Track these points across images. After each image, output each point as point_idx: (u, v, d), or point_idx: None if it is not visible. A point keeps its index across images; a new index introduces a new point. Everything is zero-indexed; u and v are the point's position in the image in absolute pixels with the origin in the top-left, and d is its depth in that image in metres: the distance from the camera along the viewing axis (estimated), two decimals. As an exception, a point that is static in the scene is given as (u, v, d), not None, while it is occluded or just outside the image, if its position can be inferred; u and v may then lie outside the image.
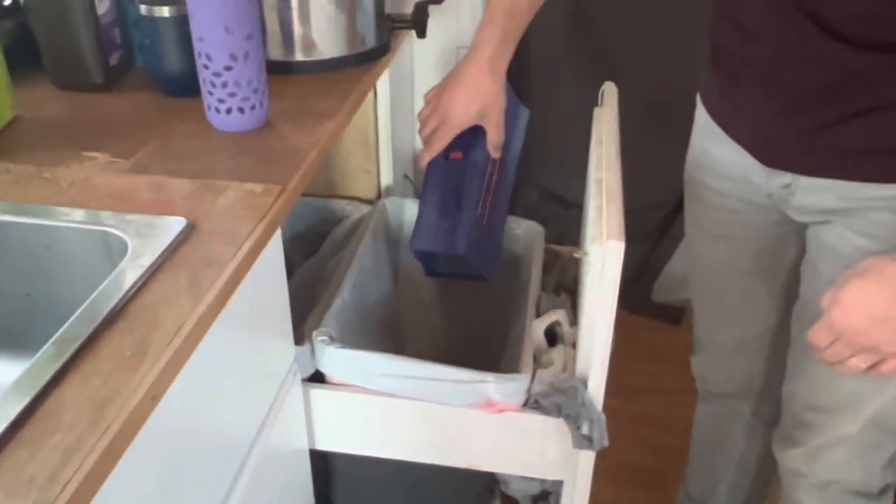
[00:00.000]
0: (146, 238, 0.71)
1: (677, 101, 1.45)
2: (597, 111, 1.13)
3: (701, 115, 0.98)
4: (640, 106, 1.77)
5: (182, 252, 0.70)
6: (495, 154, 1.02)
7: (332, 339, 0.96)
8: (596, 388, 0.89)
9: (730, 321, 1.08)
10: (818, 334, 0.79)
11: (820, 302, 0.78)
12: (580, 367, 0.92)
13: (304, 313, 1.02)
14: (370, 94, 1.21)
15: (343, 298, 1.03)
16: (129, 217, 0.74)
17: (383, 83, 1.22)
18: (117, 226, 0.73)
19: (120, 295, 0.63)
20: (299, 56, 1.09)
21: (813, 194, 0.86)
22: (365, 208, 1.27)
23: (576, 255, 1.05)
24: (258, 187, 0.80)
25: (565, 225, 2.25)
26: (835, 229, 0.86)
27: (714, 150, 0.95)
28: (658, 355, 1.91)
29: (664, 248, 2.11)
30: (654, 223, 2.08)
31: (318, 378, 0.99)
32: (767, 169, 0.89)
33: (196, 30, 0.87)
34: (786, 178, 0.87)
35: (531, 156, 2.10)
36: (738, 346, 1.09)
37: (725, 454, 1.20)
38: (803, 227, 0.95)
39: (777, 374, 1.11)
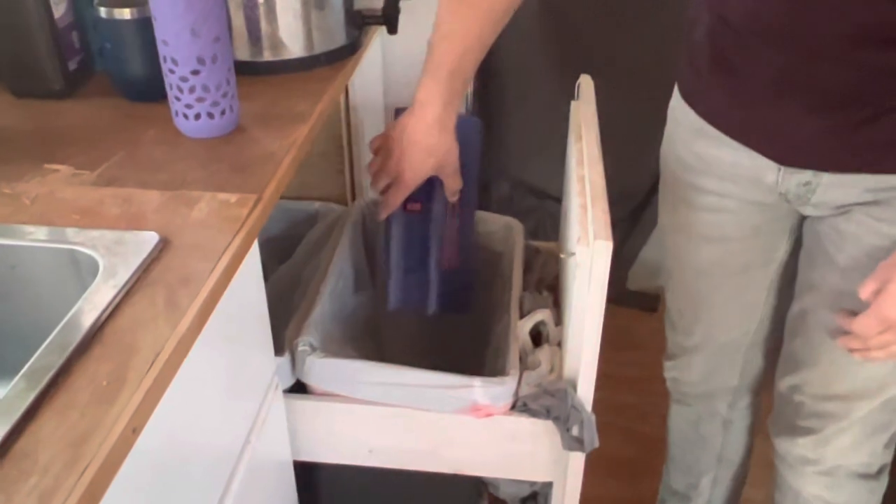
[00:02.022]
0: (117, 256, 0.68)
1: (648, 92, 1.45)
2: (574, 105, 1.11)
3: (686, 118, 0.95)
4: (611, 96, 1.76)
5: (156, 270, 0.67)
6: (454, 199, 1.02)
7: (314, 349, 0.94)
8: (586, 390, 0.88)
9: (716, 323, 1.07)
10: (867, 324, 0.79)
11: (859, 291, 0.79)
12: (568, 368, 0.90)
13: (283, 321, 0.99)
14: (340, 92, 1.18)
15: (322, 306, 1.01)
16: (99, 233, 0.71)
17: (354, 81, 1.19)
18: (86, 243, 0.70)
19: (93, 319, 0.60)
20: (268, 56, 1.06)
21: (836, 189, 0.85)
22: (339, 209, 1.24)
23: (562, 255, 1.03)
24: (233, 197, 0.77)
25: (539, 217, 2.25)
26: (855, 218, 0.85)
27: (710, 153, 0.94)
28: (634, 344, 1.92)
29: (637, 236, 2.12)
30: (627, 212, 2.08)
31: (299, 388, 0.96)
32: (784, 168, 0.87)
33: (160, 33, 0.83)
34: (806, 175, 0.86)
35: (503, 148, 2.09)
36: (721, 348, 1.09)
37: (706, 451, 1.20)
38: (799, 222, 0.94)
39: (755, 368, 1.11)
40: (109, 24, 0.92)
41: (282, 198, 1.24)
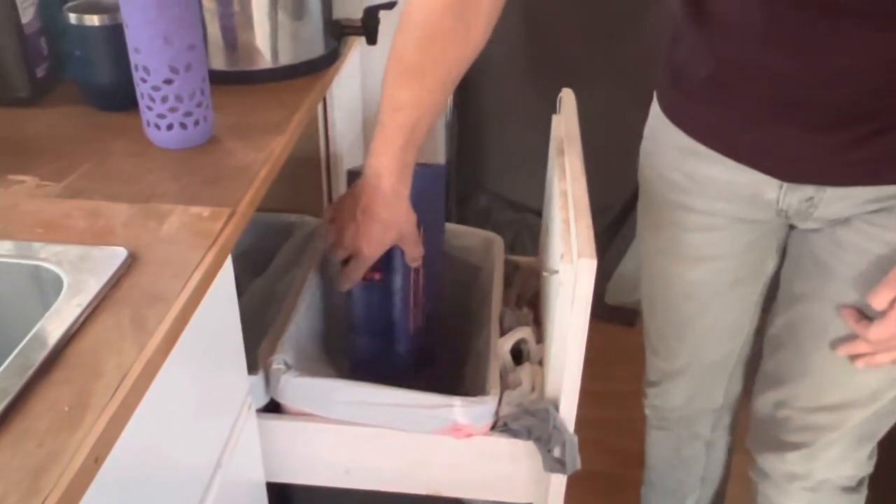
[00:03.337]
0: (83, 272, 0.65)
1: (626, 105, 1.44)
2: (556, 119, 1.10)
3: (672, 137, 0.94)
4: (588, 108, 1.76)
5: (124, 287, 0.64)
6: (416, 265, 0.98)
7: (288, 367, 0.91)
8: (568, 411, 0.86)
9: (702, 344, 1.06)
10: (884, 331, 0.79)
11: (871, 300, 0.78)
12: (550, 387, 0.88)
13: (257, 338, 0.96)
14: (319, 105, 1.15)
15: (297, 323, 0.98)
16: (63, 248, 0.68)
17: (332, 92, 1.17)
18: (50, 259, 0.67)
19: (55, 340, 0.57)
20: (244, 65, 1.03)
21: (839, 203, 0.84)
22: (315, 222, 1.21)
23: (544, 273, 1.01)
24: (205, 211, 0.74)
25: (517, 230, 2.24)
26: (855, 227, 0.84)
27: (702, 172, 0.92)
28: (612, 358, 1.90)
29: (615, 250, 2.11)
30: (605, 224, 2.07)
31: (273, 407, 0.93)
32: (785, 184, 0.86)
33: (132, 40, 0.81)
34: (808, 191, 0.85)
35: (482, 161, 2.07)
36: (706, 369, 1.08)
37: (689, 473, 1.19)
38: (786, 235, 0.93)
39: (737, 386, 1.10)
40: (79, 31, 0.89)
41: (257, 210, 1.22)
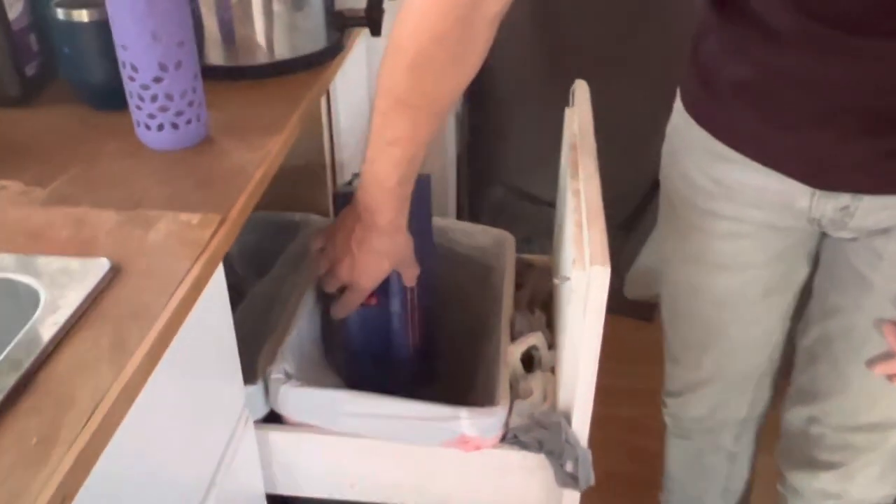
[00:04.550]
0: (62, 287, 0.61)
1: (645, 94, 1.38)
2: (568, 112, 1.05)
3: (698, 140, 0.88)
4: (607, 98, 1.70)
5: (105, 302, 0.60)
6: (412, 284, 0.95)
7: (289, 376, 0.87)
8: (581, 424, 0.82)
9: (728, 355, 1.01)
10: None
11: None
12: (562, 399, 0.84)
13: (259, 343, 0.92)
14: (321, 98, 1.11)
15: (299, 329, 0.94)
16: (43, 260, 0.64)
17: (336, 86, 1.12)
18: (28, 272, 0.63)
19: (28, 364, 0.53)
20: (243, 60, 0.99)
21: (877, 213, 0.79)
22: (320, 221, 1.17)
23: (556, 280, 0.96)
24: (195, 217, 0.70)
25: (534, 223, 2.18)
26: (895, 237, 0.79)
27: (731, 178, 0.86)
28: (631, 354, 1.85)
29: (634, 243, 2.05)
30: (624, 216, 2.01)
31: (275, 417, 0.90)
32: (819, 192, 0.81)
33: (119, 37, 0.77)
34: (844, 199, 0.80)
35: (497, 152, 2.02)
36: (731, 380, 1.03)
37: (711, 484, 1.14)
38: (819, 243, 0.88)
39: (764, 398, 1.05)
40: (67, 27, 0.85)
41: (261, 209, 1.18)
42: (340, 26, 1.07)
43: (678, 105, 0.94)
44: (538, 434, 0.85)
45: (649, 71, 1.51)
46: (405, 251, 0.88)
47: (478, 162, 1.83)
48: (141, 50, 0.76)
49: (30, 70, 0.91)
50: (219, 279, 0.72)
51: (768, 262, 0.92)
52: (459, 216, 1.53)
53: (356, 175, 0.96)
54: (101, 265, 0.63)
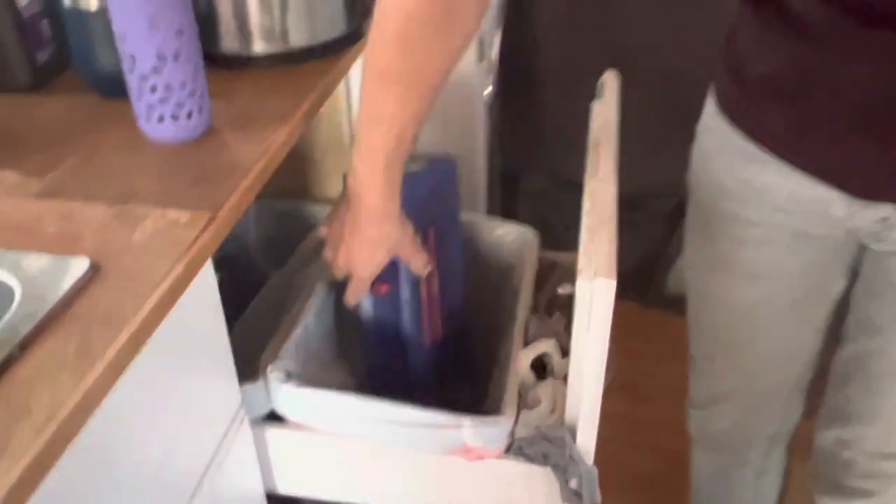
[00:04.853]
0: (39, 285, 0.60)
1: (695, 82, 1.31)
2: (596, 106, 0.99)
3: (728, 138, 0.82)
4: (658, 85, 1.62)
5: (79, 304, 0.59)
6: (424, 273, 0.90)
7: (289, 376, 0.85)
8: (587, 440, 0.77)
9: (754, 368, 0.95)
10: None
11: None
12: (569, 412, 0.80)
13: (268, 338, 0.90)
14: (342, 87, 1.08)
15: (306, 325, 0.92)
16: (25, 257, 0.63)
17: (357, 73, 1.08)
18: (6, 268, 0.62)
19: (-10, 368, 0.52)
20: (258, 48, 0.96)
21: None
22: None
23: (560, 290, 0.92)
24: (184, 216, 0.68)
25: (576, 211, 2.12)
26: None
27: (760, 180, 0.80)
28: (671, 353, 1.78)
29: (678, 236, 1.98)
30: (669, 209, 1.94)
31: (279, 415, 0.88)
32: (857, 201, 0.74)
33: (117, 26, 0.75)
34: (884, 210, 0.73)
35: (537, 137, 1.96)
36: (757, 394, 0.96)
37: (737, 501, 1.08)
38: (857, 254, 0.82)
39: (794, 414, 0.99)
40: (75, 15, 0.84)
41: (280, 198, 1.16)
42: (361, 11, 1.03)
43: (710, 101, 0.87)
44: (543, 447, 0.81)
45: (697, 54, 1.43)
46: (400, 239, 0.83)
47: (513, 148, 1.78)
48: (138, 39, 0.74)
49: (42, 57, 0.90)
50: (206, 279, 0.70)
51: (800, 272, 0.85)
52: (491, 206, 1.48)
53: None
54: (80, 264, 0.62)
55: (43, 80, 0.91)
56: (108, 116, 0.86)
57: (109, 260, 0.63)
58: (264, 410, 0.86)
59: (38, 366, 0.53)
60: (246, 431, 0.82)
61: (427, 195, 0.84)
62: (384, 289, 0.90)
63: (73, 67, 0.94)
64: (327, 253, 0.88)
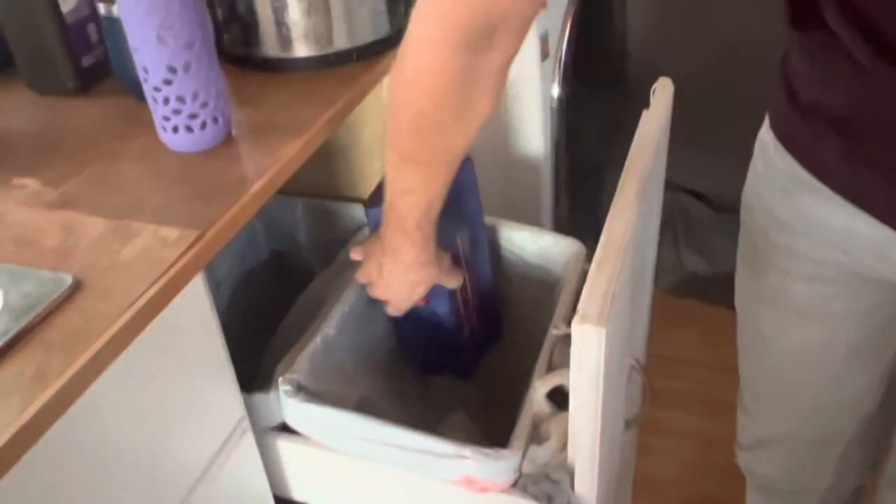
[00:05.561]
0: (18, 303, 0.61)
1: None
2: (645, 115, 0.91)
3: (783, 162, 0.74)
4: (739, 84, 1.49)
5: (54, 322, 0.60)
6: (457, 286, 0.91)
7: (300, 389, 0.84)
8: (586, 488, 0.72)
9: (804, 416, 0.86)
10: None
11: None
12: (571, 454, 0.74)
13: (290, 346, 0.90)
14: (386, 84, 1.05)
15: (325, 334, 0.90)
16: (16, 271, 0.65)
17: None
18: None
19: (-52, 388, 0.54)
20: (290, 51, 0.95)
21: None
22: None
23: (553, 331, 0.86)
24: (174, 233, 0.68)
25: (669, 213, 2.01)
26: None
27: (813, 212, 0.72)
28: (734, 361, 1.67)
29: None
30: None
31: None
32: None
33: (130, 39, 0.75)
34: None
35: (621, 130, 1.86)
36: (809, 444, 0.87)
37: None
38: None
39: (855, 466, 0.88)
40: (108, 22, 0.86)
41: (326, 198, 1.16)
42: (403, 12, 1.00)
43: (766, 121, 0.78)
44: (547, 487, 0.76)
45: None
46: (437, 276, 0.84)
47: (582, 144, 1.70)
48: (148, 52, 0.74)
49: (87, 61, 0.93)
50: (194, 294, 0.70)
51: (856, 315, 0.75)
52: (556, 210, 1.41)
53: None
54: (62, 281, 0.63)
55: (87, 82, 0.94)
56: (138, 121, 0.87)
57: (93, 277, 0.64)
58: (277, 421, 0.86)
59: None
60: (249, 442, 0.82)
61: (451, 203, 0.82)
62: (423, 301, 0.90)
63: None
64: (361, 278, 0.89)
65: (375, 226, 0.90)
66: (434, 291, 0.89)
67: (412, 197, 0.71)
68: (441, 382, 1.08)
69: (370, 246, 0.86)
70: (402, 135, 0.67)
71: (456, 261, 0.93)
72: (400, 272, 0.81)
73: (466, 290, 0.99)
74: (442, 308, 0.98)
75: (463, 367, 1.09)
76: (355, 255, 0.90)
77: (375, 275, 0.85)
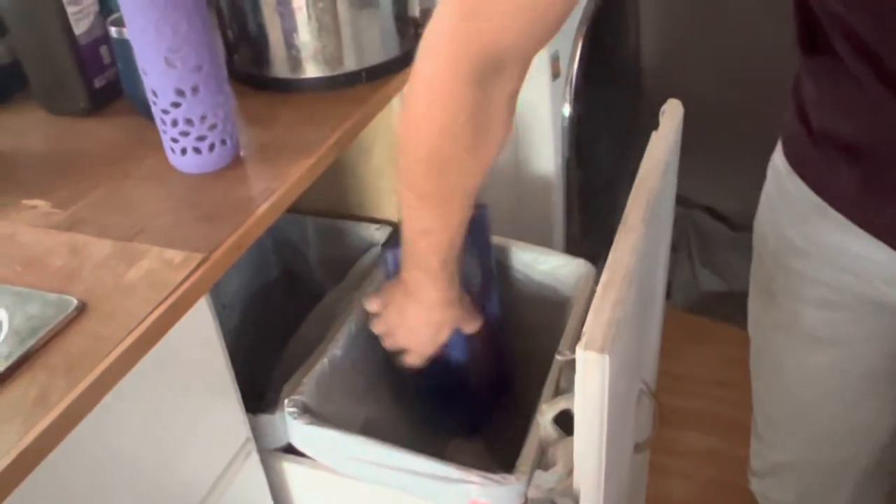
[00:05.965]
0: (23, 326, 0.62)
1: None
2: (654, 137, 0.91)
3: (796, 188, 0.73)
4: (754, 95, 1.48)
5: (56, 345, 0.60)
6: (477, 329, 0.89)
7: (305, 410, 0.84)
8: (590, 515, 0.71)
9: (818, 441, 0.85)
10: None
11: None
12: (576, 480, 0.73)
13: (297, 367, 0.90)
14: (397, 106, 1.05)
15: (332, 355, 0.90)
16: (21, 293, 0.65)
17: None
18: (3, 305, 0.64)
19: (-49, 411, 0.54)
20: (300, 72, 0.95)
21: None
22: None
23: (559, 357, 0.85)
24: (179, 256, 0.68)
25: (682, 228, 1.99)
26: None
27: (828, 237, 0.71)
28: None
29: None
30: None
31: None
32: None
33: (140, 61, 0.76)
34: None
35: (636, 146, 1.86)
36: (822, 469, 0.85)
37: None
38: None
39: (872, 494, 0.86)
40: (119, 43, 0.87)
41: (336, 216, 1.16)
42: (412, 35, 1.00)
43: (779, 144, 0.78)
44: (552, 514, 0.75)
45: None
46: (461, 317, 0.84)
47: (597, 167, 1.69)
48: (157, 75, 0.75)
49: (99, 82, 0.94)
50: (199, 316, 0.70)
51: (871, 340, 0.74)
52: (568, 229, 1.41)
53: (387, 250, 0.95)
54: (66, 304, 0.63)
55: (99, 103, 0.95)
56: (148, 141, 0.87)
57: (98, 300, 0.64)
58: (283, 442, 0.86)
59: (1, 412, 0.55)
60: (254, 463, 0.82)
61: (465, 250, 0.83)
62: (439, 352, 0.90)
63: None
64: (377, 329, 0.88)
65: (393, 268, 0.89)
66: (452, 340, 0.88)
67: (433, 237, 0.71)
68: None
69: (388, 292, 0.85)
70: (418, 174, 0.66)
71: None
72: (424, 314, 0.80)
73: (478, 338, 0.96)
74: (458, 355, 0.95)
75: (471, 423, 1.08)
76: (372, 306, 0.89)
77: (396, 321, 0.84)
